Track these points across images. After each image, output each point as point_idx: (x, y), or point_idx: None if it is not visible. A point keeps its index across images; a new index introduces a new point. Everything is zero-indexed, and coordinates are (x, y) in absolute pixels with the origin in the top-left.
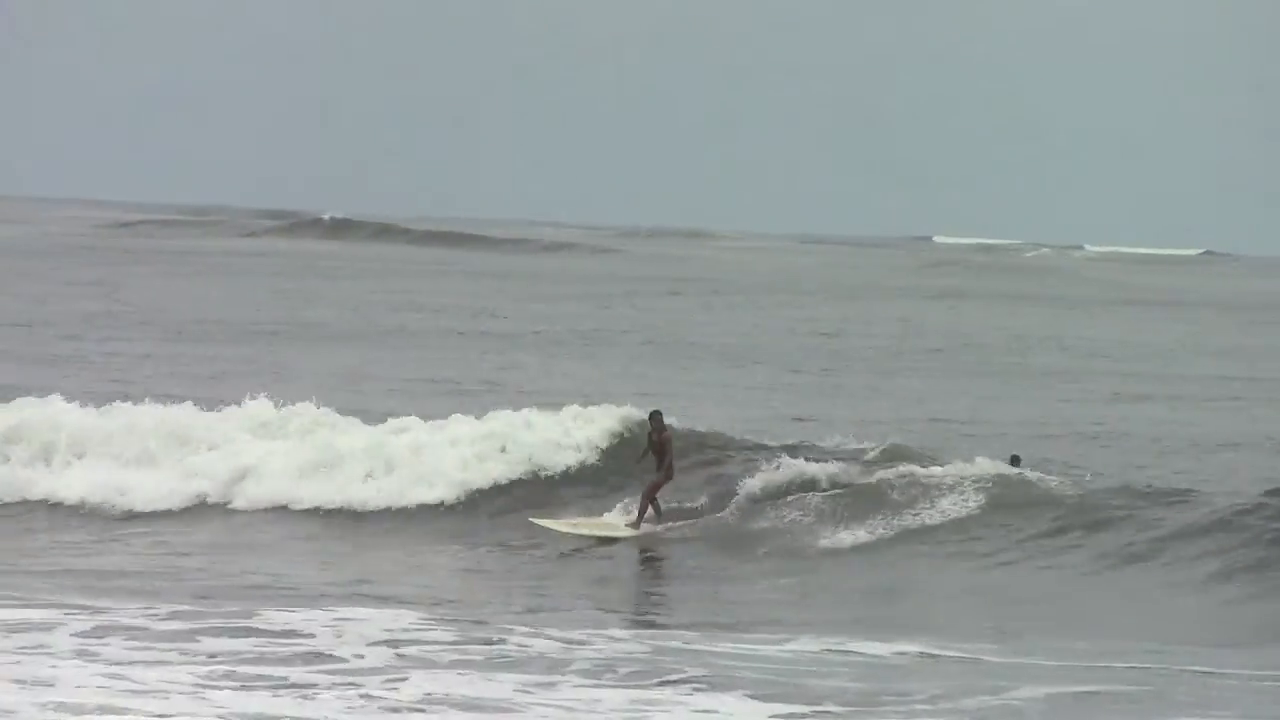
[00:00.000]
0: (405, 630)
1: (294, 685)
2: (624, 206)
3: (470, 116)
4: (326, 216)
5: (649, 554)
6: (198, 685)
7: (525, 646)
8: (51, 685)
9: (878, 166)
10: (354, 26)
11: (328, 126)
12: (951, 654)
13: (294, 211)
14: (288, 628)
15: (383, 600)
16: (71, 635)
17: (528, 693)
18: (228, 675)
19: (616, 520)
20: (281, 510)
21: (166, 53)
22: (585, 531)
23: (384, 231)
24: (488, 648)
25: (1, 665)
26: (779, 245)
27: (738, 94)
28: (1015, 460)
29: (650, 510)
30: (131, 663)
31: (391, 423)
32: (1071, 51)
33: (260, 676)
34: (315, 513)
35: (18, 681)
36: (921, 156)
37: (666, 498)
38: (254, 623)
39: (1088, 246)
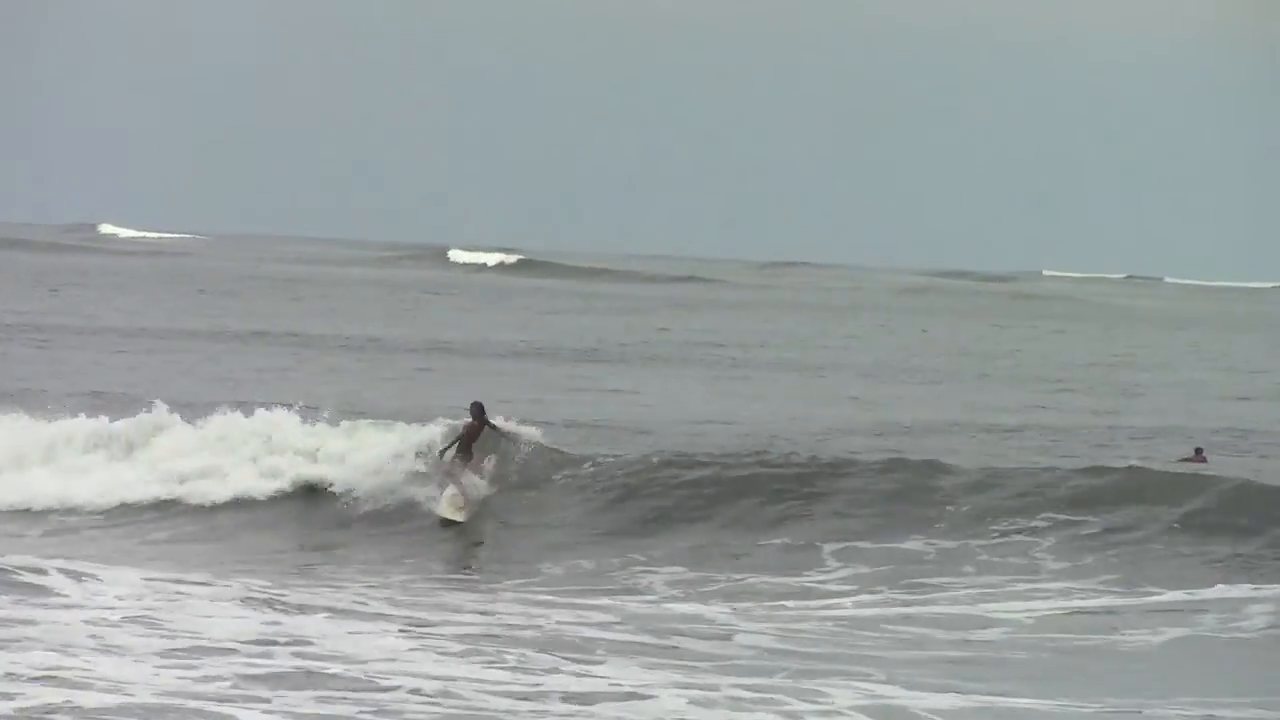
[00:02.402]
0: None
1: None
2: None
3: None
4: (514, 258)
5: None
6: None
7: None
8: None
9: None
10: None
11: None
12: None
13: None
14: None
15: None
16: None
17: None
18: None
19: (448, 508)
20: None
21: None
22: (448, 514)
23: (581, 271)
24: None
25: None
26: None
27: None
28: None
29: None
30: None
31: None
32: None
33: None
34: None
35: None
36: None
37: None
38: None
39: (1167, 279)
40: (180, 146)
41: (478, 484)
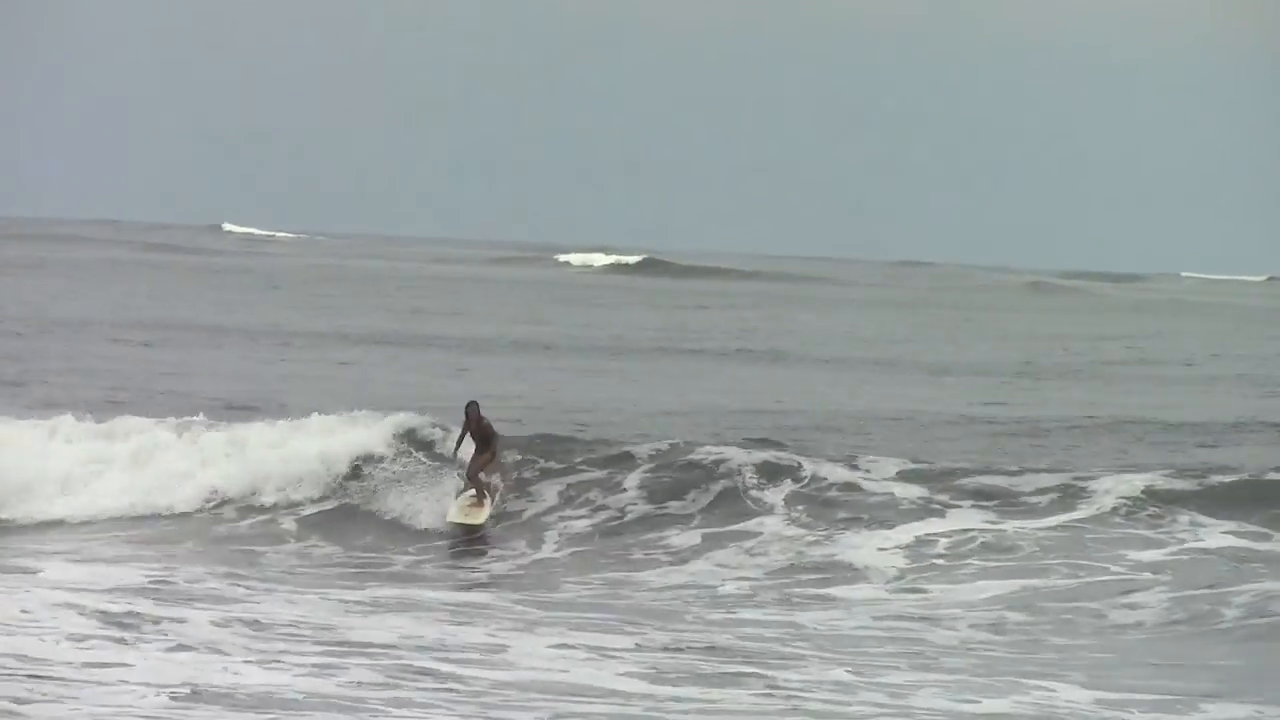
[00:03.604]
0: None
1: None
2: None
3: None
4: (636, 258)
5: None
6: None
7: None
8: None
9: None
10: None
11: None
12: None
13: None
14: None
15: None
16: None
17: None
18: None
19: (457, 512)
20: None
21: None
22: (461, 520)
23: (709, 271)
24: None
25: None
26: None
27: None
28: None
29: (476, 488)
30: None
31: None
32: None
33: None
34: None
35: None
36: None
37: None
38: None
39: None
40: (288, 145)
41: (493, 484)
